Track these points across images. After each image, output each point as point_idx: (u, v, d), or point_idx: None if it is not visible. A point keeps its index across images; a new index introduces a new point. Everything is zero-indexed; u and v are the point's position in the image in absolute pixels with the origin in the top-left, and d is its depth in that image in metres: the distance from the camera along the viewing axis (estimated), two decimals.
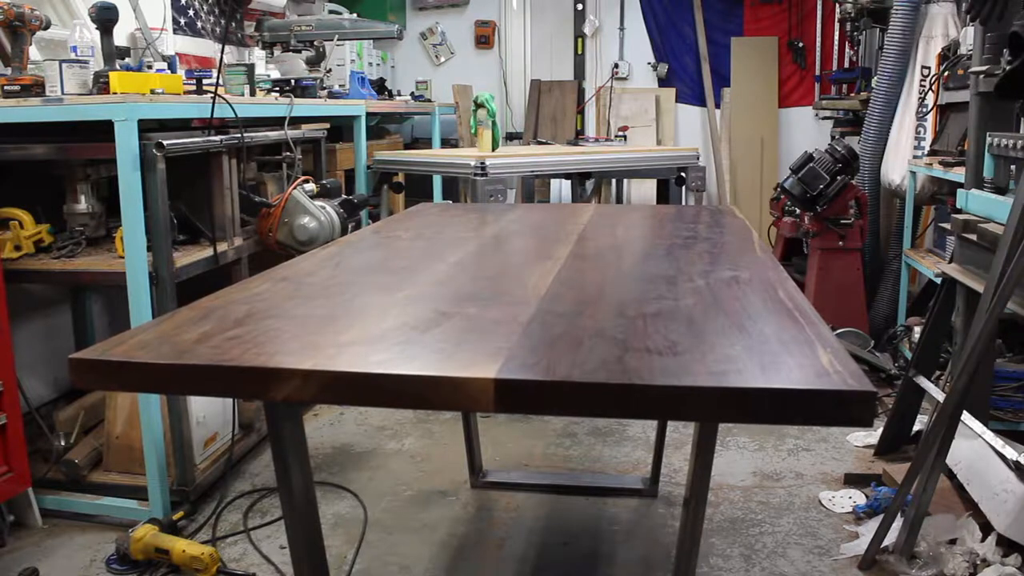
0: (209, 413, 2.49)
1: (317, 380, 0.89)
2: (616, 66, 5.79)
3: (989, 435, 2.08)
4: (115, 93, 2.12)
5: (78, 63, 2.21)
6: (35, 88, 2.18)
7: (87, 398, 2.65)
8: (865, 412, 0.82)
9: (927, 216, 4.03)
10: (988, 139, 2.37)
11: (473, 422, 2.52)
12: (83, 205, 2.38)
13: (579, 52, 5.90)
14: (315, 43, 3.56)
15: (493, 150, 3.56)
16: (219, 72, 2.48)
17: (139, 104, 2.13)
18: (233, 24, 3.71)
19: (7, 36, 2.27)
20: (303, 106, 3.08)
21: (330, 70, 3.89)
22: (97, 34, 2.33)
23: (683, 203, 3.93)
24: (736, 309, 1.16)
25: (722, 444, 2.82)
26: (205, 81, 2.47)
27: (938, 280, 2.74)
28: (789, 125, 5.58)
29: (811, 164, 3.71)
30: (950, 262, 2.53)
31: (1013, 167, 2.31)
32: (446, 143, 5.28)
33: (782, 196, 4.00)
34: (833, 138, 4.47)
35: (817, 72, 5.50)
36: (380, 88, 4.73)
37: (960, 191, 2.52)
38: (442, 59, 6.09)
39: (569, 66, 5.92)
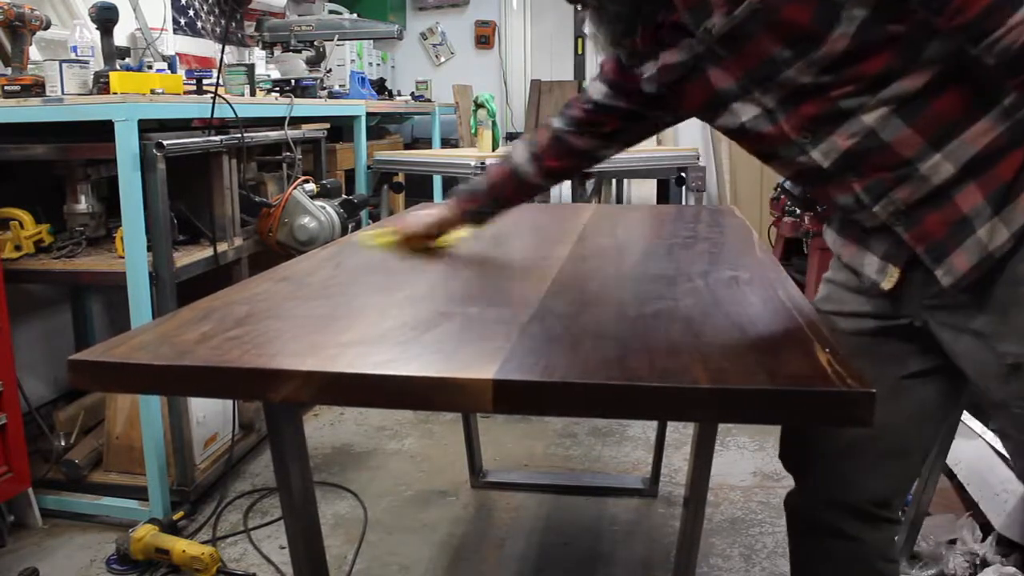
0: (209, 413, 2.49)
1: (317, 380, 0.89)
2: None
3: (989, 435, 2.08)
4: (115, 93, 2.12)
5: (78, 63, 2.21)
6: (35, 88, 2.17)
7: (87, 398, 2.65)
8: (865, 412, 0.82)
9: None
10: None
11: (473, 422, 2.52)
12: (83, 205, 2.38)
13: (579, 52, 5.89)
14: (315, 43, 3.56)
15: (493, 150, 3.56)
16: (219, 72, 2.48)
17: (139, 104, 2.13)
18: (233, 24, 3.71)
19: (7, 36, 2.27)
20: (303, 106, 3.08)
21: (330, 70, 3.89)
22: (97, 34, 2.33)
23: (683, 203, 3.93)
24: (736, 309, 1.16)
25: (722, 444, 2.82)
26: (205, 81, 2.47)
27: None
28: None
29: None
30: None
31: None
32: (446, 143, 5.28)
33: (782, 196, 3.99)
34: None
35: None
36: (380, 88, 4.73)
37: None
38: (442, 59, 6.09)
39: (569, 66, 5.92)
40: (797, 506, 1.32)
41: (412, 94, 5.14)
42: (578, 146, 1.40)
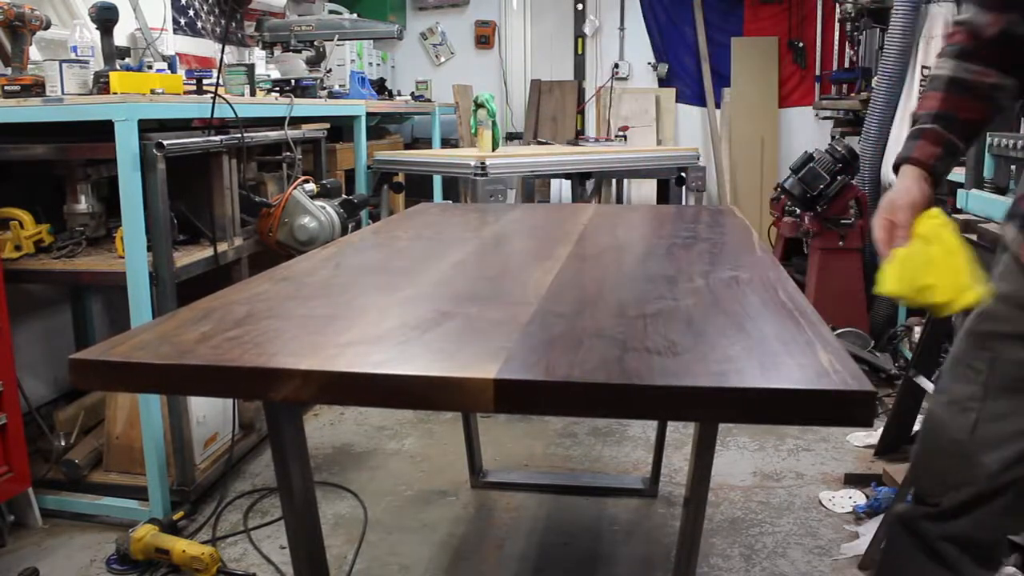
0: (209, 413, 2.49)
1: (317, 380, 0.89)
2: (616, 66, 5.79)
3: None
4: (115, 93, 2.12)
5: (78, 63, 2.21)
6: (35, 88, 2.18)
7: (87, 398, 2.65)
8: (865, 412, 0.82)
9: None
10: (988, 139, 2.36)
11: (473, 422, 2.52)
12: (83, 205, 2.38)
13: (579, 52, 5.90)
14: (315, 43, 3.56)
15: (493, 150, 3.56)
16: (219, 72, 2.48)
17: (139, 104, 2.13)
18: (233, 24, 3.72)
19: (7, 36, 2.27)
20: (303, 106, 3.08)
21: (330, 70, 3.89)
22: (97, 34, 2.33)
23: (683, 203, 3.93)
24: (736, 309, 1.16)
25: (722, 444, 2.82)
26: (205, 81, 2.47)
27: None
28: (789, 125, 5.58)
29: (811, 164, 3.70)
30: None
31: (1013, 167, 2.30)
32: (446, 143, 5.28)
33: (782, 196, 3.99)
34: (833, 138, 4.46)
35: (817, 72, 5.49)
36: (380, 88, 4.73)
37: (960, 191, 2.52)
38: (442, 59, 6.09)
39: (569, 66, 5.92)
40: (917, 528, 1.23)
41: (412, 94, 5.14)
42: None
